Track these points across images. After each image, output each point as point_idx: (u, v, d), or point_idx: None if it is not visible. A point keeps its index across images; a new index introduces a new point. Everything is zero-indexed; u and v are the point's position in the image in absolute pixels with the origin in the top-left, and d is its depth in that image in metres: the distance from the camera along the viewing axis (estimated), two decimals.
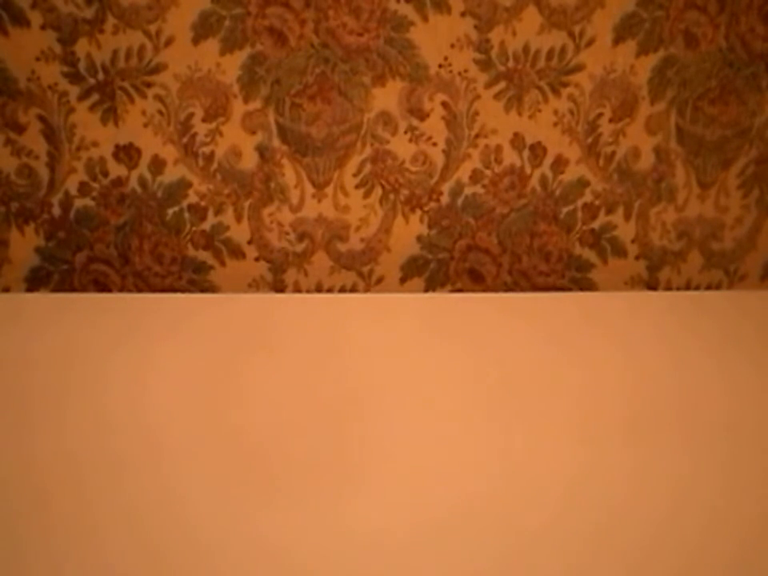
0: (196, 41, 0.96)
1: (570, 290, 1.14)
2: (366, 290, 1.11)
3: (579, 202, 1.09)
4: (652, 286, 1.16)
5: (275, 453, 0.77)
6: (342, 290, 1.10)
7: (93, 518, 0.69)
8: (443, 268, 1.11)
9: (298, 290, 1.10)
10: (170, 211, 1.04)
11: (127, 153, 1.00)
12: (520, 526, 0.71)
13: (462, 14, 0.98)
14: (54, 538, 0.67)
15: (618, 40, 1.01)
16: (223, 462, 0.75)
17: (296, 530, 0.69)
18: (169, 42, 0.95)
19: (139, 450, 0.76)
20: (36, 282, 1.05)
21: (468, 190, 1.07)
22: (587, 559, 0.68)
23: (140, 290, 1.07)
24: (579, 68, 1.02)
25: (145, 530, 0.68)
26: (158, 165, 1.01)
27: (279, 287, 1.09)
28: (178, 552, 0.66)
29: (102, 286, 1.06)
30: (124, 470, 0.74)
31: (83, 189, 1.02)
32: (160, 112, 0.99)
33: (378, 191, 1.05)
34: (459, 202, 1.07)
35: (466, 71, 1.01)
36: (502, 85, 1.02)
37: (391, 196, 1.06)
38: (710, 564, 0.68)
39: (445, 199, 1.07)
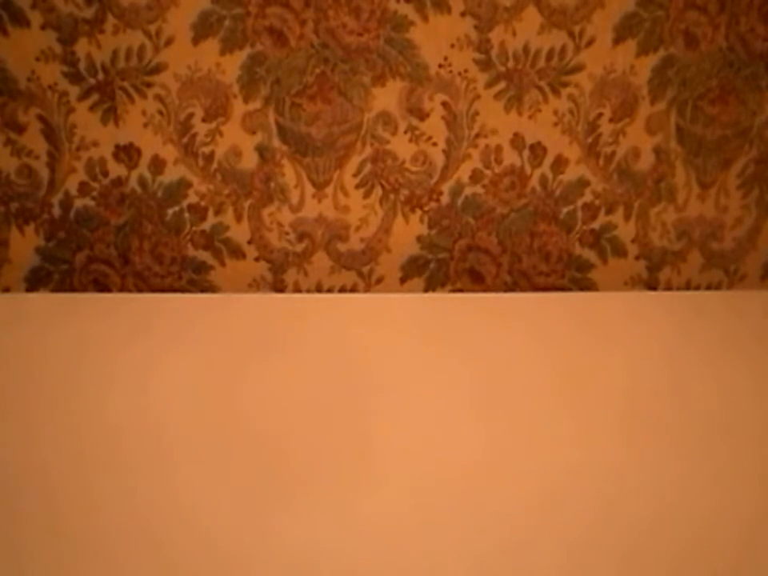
0: (196, 41, 0.96)
1: (570, 289, 1.14)
2: (366, 290, 1.11)
3: (579, 202, 1.09)
4: (652, 286, 1.16)
5: (275, 453, 0.77)
6: (342, 289, 1.10)
7: (98, 518, 0.69)
8: (443, 268, 1.11)
9: (298, 290, 1.10)
10: (170, 211, 1.04)
11: (127, 153, 1.00)
12: (518, 525, 0.71)
13: (462, 14, 0.98)
14: (59, 538, 0.67)
15: (618, 40, 1.01)
16: (223, 462, 0.75)
17: (295, 529, 0.69)
18: (169, 41, 0.96)
19: (138, 448, 0.76)
20: (36, 282, 1.05)
21: (468, 190, 1.07)
22: (580, 557, 0.68)
23: (140, 290, 1.07)
24: (579, 68, 1.02)
25: (151, 530, 0.68)
26: (158, 165, 1.01)
27: (279, 287, 1.09)
28: (182, 551, 0.66)
29: (102, 286, 1.06)
30: (124, 468, 0.74)
31: (83, 189, 1.02)
32: (160, 112, 0.99)
33: (378, 191, 1.05)
34: (459, 202, 1.07)
35: (465, 71, 1.01)
36: (502, 85, 1.02)
37: (391, 196, 1.06)
38: (702, 563, 0.68)
39: (445, 199, 1.07)
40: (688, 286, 1.17)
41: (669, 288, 1.16)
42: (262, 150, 1.02)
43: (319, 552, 0.67)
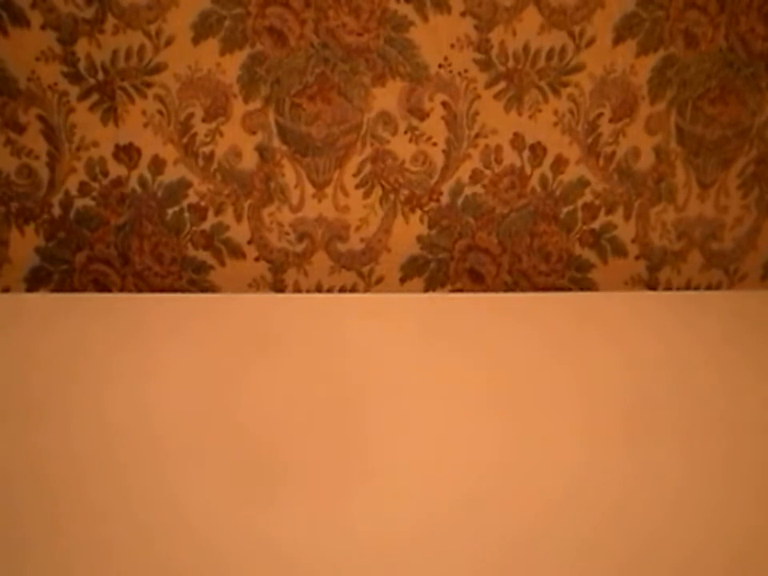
0: (196, 41, 0.96)
1: (569, 290, 1.14)
2: (366, 290, 1.11)
3: (579, 202, 1.09)
4: (652, 286, 1.16)
5: (275, 453, 0.77)
6: (342, 289, 1.10)
7: (95, 518, 0.69)
8: (443, 268, 1.11)
9: (298, 290, 1.10)
10: (170, 211, 1.04)
11: (127, 153, 1.00)
12: (519, 526, 0.71)
13: (462, 14, 0.98)
14: (57, 537, 0.67)
15: (617, 40, 1.01)
16: (222, 462, 0.75)
17: (295, 529, 0.69)
18: (169, 41, 0.96)
19: (138, 448, 0.76)
20: (36, 281, 1.05)
21: (468, 190, 1.07)
22: (585, 559, 0.68)
23: (140, 290, 1.07)
24: (579, 68, 1.02)
25: (148, 529, 0.68)
26: (158, 165, 1.01)
27: (279, 287, 1.09)
28: (181, 551, 0.66)
29: (102, 286, 1.06)
30: (124, 468, 0.74)
31: (83, 189, 1.02)
32: (160, 112, 0.99)
33: (378, 191, 1.05)
34: (459, 201, 1.07)
35: (466, 71, 1.01)
36: (502, 85, 1.02)
37: (391, 196, 1.06)
38: (708, 562, 0.68)
39: (445, 199, 1.07)
40: (688, 286, 1.17)
41: (669, 288, 1.16)
42: (261, 150, 1.02)
43: (315, 554, 0.67)
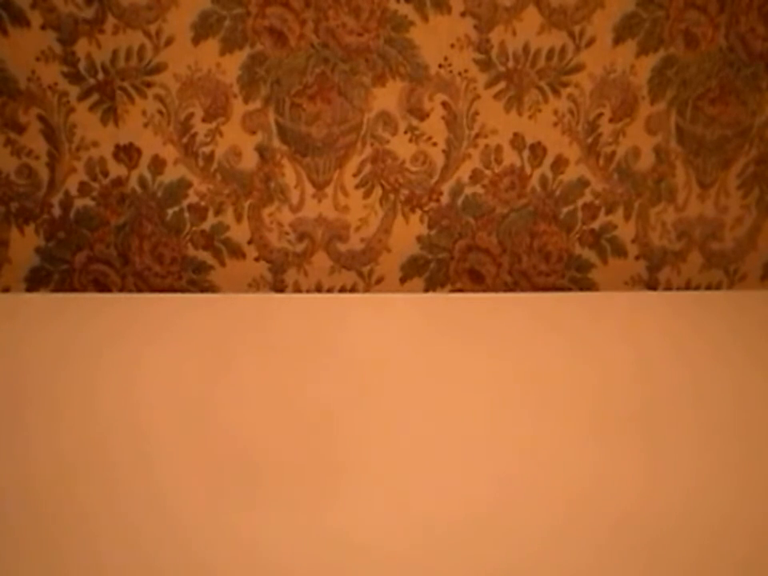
0: (196, 41, 0.96)
1: (569, 289, 1.14)
2: (366, 290, 1.11)
3: (579, 202, 1.09)
4: (652, 286, 1.16)
5: (274, 453, 0.77)
6: (342, 289, 1.10)
7: (85, 518, 0.69)
8: (443, 268, 1.11)
9: (298, 290, 1.10)
10: (170, 211, 1.04)
11: (127, 153, 1.00)
12: (523, 525, 0.71)
13: (462, 14, 0.98)
14: (45, 536, 0.67)
15: (617, 40, 1.01)
16: (222, 462, 0.75)
17: (294, 529, 0.69)
18: (169, 41, 0.96)
19: (138, 450, 0.76)
20: (36, 281, 1.05)
21: (468, 190, 1.07)
22: (598, 558, 0.68)
23: (140, 290, 1.07)
24: (579, 68, 1.02)
25: (135, 530, 0.68)
26: (157, 165, 1.01)
27: (279, 287, 1.09)
28: (167, 551, 0.66)
29: (102, 286, 1.06)
30: (116, 468, 0.74)
31: (83, 189, 1.02)
32: (160, 112, 0.99)
33: (378, 191, 1.05)
34: (459, 201, 1.07)
35: (466, 71, 1.01)
36: (502, 85, 1.02)
37: (391, 196, 1.06)
38: (722, 561, 0.68)
39: (445, 199, 1.07)
40: (688, 286, 1.17)
41: (669, 288, 1.16)
42: (261, 150, 1.02)
43: (310, 556, 0.67)
